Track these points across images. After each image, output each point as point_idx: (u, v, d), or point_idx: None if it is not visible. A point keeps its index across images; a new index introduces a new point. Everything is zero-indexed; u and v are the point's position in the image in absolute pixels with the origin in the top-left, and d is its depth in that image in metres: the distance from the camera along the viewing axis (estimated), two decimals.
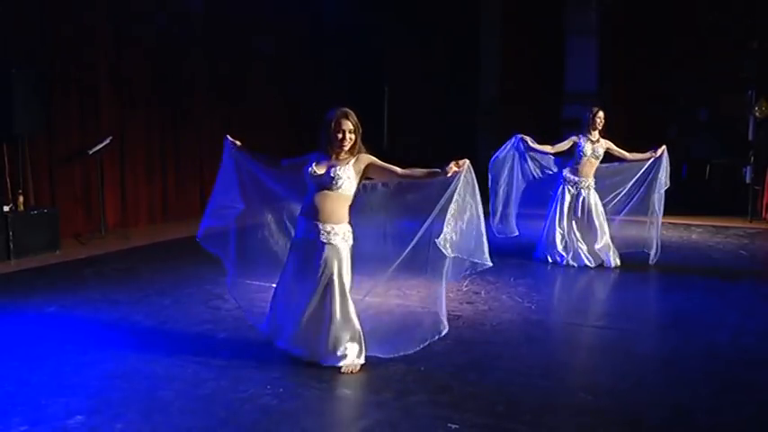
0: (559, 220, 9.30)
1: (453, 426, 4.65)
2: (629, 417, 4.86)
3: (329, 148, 5.48)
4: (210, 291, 7.96)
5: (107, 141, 10.76)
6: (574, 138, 9.15)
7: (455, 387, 5.32)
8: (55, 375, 5.50)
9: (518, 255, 9.66)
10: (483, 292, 8.00)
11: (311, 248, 5.49)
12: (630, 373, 5.69)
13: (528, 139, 9.08)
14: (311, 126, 14.25)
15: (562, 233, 9.31)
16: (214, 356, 5.94)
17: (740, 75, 13.16)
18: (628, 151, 9.23)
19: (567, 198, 9.27)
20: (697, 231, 11.81)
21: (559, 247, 9.32)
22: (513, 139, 9.15)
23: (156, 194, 12.40)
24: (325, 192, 5.44)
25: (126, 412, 4.82)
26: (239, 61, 13.66)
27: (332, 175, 5.40)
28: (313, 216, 5.48)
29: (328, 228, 5.45)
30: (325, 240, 5.45)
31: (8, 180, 9.84)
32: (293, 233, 5.79)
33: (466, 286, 8.25)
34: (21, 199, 9.66)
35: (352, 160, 5.48)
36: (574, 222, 9.28)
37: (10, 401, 4.99)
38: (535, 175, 9.29)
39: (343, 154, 5.48)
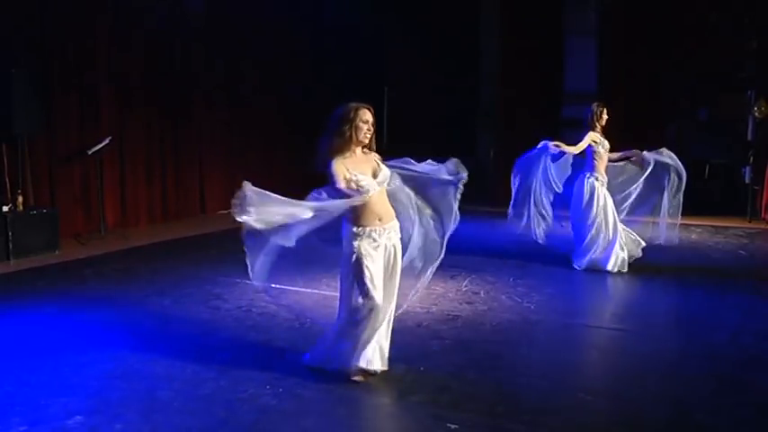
0: (606, 224, 8.94)
1: (453, 426, 4.65)
2: (629, 417, 4.86)
3: (350, 144, 5.15)
4: (210, 291, 7.98)
5: (106, 141, 10.76)
6: (591, 134, 8.96)
7: (455, 387, 5.32)
8: (54, 375, 5.51)
9: (517, 255, 9.66)
10: (482, 293, 8.00)
11: (386, 255, 5.27)
12: (630, 373, 5.69)
13: (557, 144, 8.81)
14: (310, 127, 14.29)
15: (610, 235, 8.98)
16: (213, 356, 5.93)
17: (740, 75, 13.15)
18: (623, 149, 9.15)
19: (603, 198, 8.94)
20: (696, 231, 11.80)
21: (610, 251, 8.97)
22: (542, 146, 8.84)
23: (155, 194, 12.39)
24: (379, 193, 5.20)
25: (125, 412, 4.82)
26: (239, 62, 13.67)
27: (380, 178, 5.19)
28: (377, 221, 5.21)
29: (395, 226, 5.31)
30: (394, 242, 5.29)
31: (7, 180, 9.84)
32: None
33: (465, 286, 8.25)
34: (20, 199, 9.66)
35: (373, 156, 5.30)
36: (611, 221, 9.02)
37: (9, 401, 5.00)
38: (556, 188, 9.12)
39: (363, 149, 5.25)
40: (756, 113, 12.80)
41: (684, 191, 9.00)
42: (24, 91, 9.59)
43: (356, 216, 5.16)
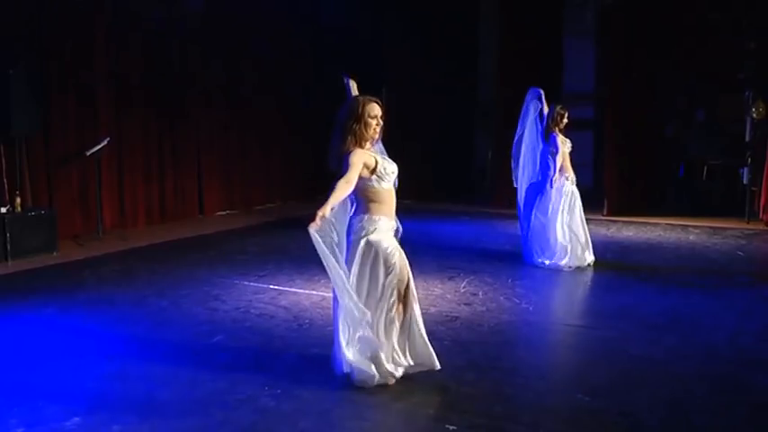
0: (570, 221, 9.22)
1: (451, 427, 4.64)
2: (627, 417, 4.86)
3: (361, 140, 5.11)
4: (208, 292, 7.97)
5: (105, 143, 10.73)
6: (560, 137, 9.15)
7: (453, 388, 5.32)
8: (52, 377, 5.50)
9: (516, 256, 9.66)
10: (481, 294, 7.99)
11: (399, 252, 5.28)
12: (628, 373, 5.68)
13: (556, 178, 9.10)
14: (309, 127, 14.29)
15: (574, 234, 9.23)
16: (211, 358, 5.93)
17: (738, 75, 13.13)
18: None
19: (569, 196, 9.23)
20: (694, 232, 11.79)
21: (564, 250, 9.19)
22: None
23: (153, 195, 12.37)
24: (392, 187, 5.25)
25: (123, 414, 4.82)
26: (238, 62, 13.65)
27: (396, 171, 5.26)
28: (391, 215, 5.25)
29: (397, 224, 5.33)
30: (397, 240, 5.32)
31: (5, 181, 9.83)
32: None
33: (464, 287, 8.25)
34: (18, 200, 9.65)
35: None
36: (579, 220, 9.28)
37: (7, 403, 4.99)
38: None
39: (371, 142, 5.22)
40: (754, 114, 12.78)
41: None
42: (22, 92, 9.57)
43: (374, 206, 5.16)
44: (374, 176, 5.12)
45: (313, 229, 4.81)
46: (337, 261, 5.03)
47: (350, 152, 5.05)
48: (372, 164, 5.10)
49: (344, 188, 4.96)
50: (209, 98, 13.18)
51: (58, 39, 10.68)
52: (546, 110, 9.34)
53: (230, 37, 13.34)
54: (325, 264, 4.97)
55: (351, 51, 14.95)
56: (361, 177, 5.08)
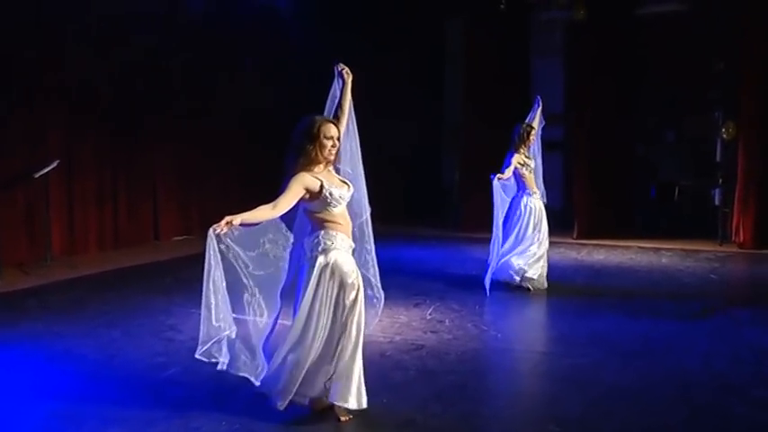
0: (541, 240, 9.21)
1: None
2: None
3: (315, 162, 4.93)
4: (163, 322, 7.74)
5: (54, 165, 10.36)
6: (516, 157, 9.04)
7: (419, 420, 5.16)
8: None
9: (483, 282, 9.42)
10: (447, 321, 7.85)
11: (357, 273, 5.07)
12: (599, 401, 5.56)
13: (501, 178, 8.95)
14: (272, 151, 13.96)
15: (536, 252, 9.19)
16: (166, 392, 5.72)
17: (707, 96, 13.20)
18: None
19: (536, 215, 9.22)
20: (667, 255, 11.77)
21: (530, 270, 9.14)
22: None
23: (106, 220, 11.98)
24: (344, 207, 5.04)
25: None
26: (198, 80, 13.31)
27: (351, 192, 5.07)
28: (348, 233, 5.06)
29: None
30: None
31: None
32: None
33: (430, 314, 8.08)
34: None
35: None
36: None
37: None
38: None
39: (327, 165, 5.03)
40: (724, 135, 12.79)
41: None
42: None
43: (329, 224, 4.95)
44: (318, 201, 4.91)
45: (214, 232, 4.63)
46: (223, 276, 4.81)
47: (293, 174, 4.84)
48: (316, 188, 4.86)
49: (266, 212, 4.79)
50: (165, 117, 12.81)
51: (5, 56, 10.32)
52: (536, 118, 9.51)
53: (189, 53, 13.03)
54: (206, 268, 4.70)
55: (318, 71, 14.75)
56: (306, 202, 4.92)
